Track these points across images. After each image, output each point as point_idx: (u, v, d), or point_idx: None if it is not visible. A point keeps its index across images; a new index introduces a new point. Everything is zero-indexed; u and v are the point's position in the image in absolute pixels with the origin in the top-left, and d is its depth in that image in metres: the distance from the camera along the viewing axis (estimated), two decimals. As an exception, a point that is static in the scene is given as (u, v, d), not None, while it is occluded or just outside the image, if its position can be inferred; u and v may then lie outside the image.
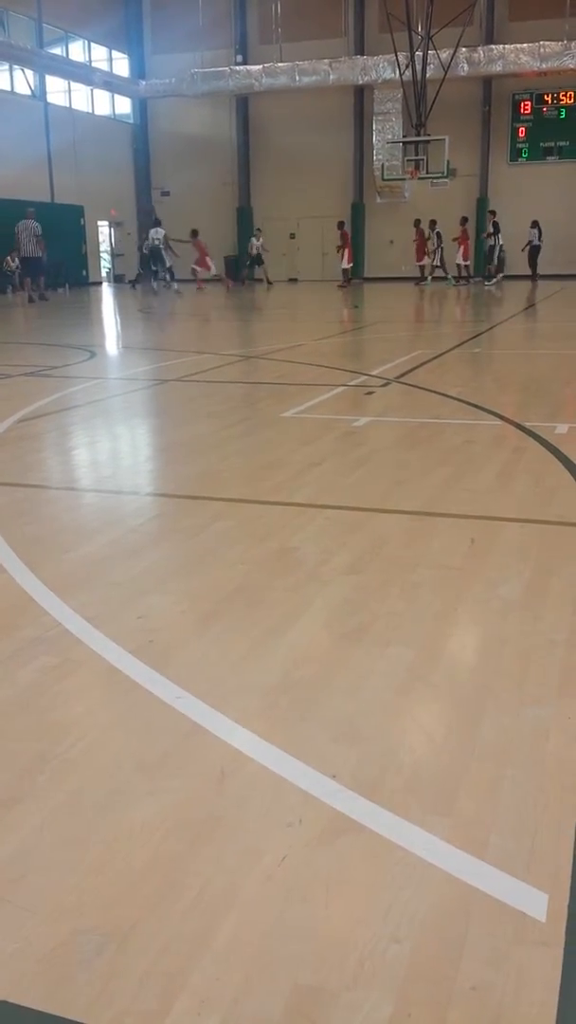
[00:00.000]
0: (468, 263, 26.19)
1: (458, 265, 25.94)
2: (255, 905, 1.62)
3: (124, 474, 5.07)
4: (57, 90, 29.33)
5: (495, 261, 25.57)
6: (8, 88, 27.33)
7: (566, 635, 2.70)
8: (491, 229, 25.36)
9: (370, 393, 7.37)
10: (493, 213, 26.12)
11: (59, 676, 2.51)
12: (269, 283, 26.96)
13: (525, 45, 27.61)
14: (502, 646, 2.66)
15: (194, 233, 23.87)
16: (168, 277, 23.18)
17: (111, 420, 6.70)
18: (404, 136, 27.10)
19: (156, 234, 23.31)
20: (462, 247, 25.71)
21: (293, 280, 31.91)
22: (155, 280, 23.30)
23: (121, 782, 2.00)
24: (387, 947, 1.51)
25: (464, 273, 26.22)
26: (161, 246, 23.10)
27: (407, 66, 24.67)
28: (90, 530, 3.93)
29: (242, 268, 28.52)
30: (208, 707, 2.30)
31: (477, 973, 1.46)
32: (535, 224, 26.63)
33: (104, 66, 31.48)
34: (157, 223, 23.73)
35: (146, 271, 25.08)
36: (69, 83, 29.55)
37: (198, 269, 24.03)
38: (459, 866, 1.70)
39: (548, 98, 29.90)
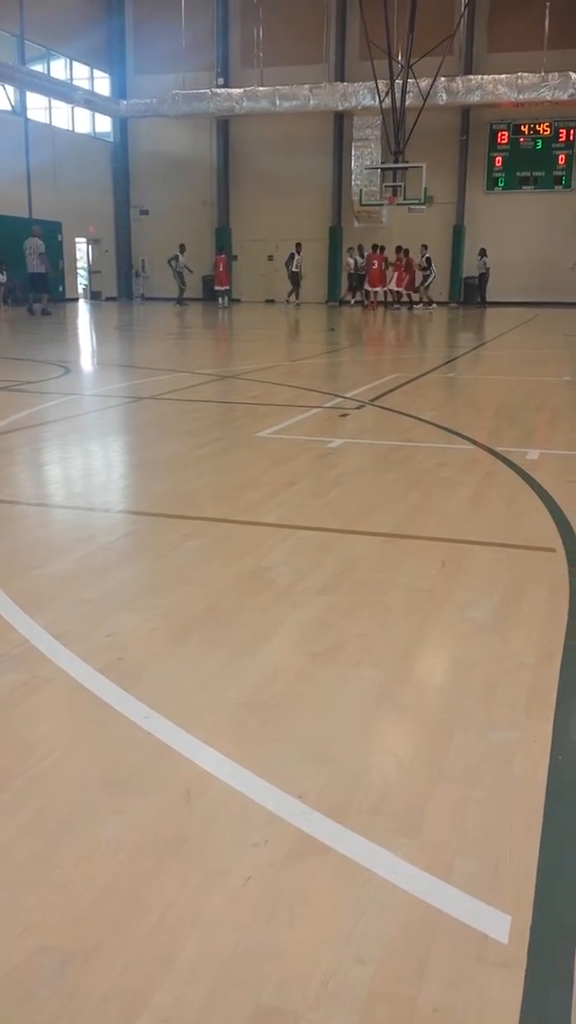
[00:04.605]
0: (401, 290, 27.11)
1: (394, 292, 27.04)
2: (219, 925, 1.62)
3: (96, 491, 5.06)
4: (38, 107, 29.39)
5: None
6: (-11, 103, 27.41)
7: (534, 658, 2.73)
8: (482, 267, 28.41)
9: (345, 415, 7.42)
10: (483, 251, 28.41)
11: (26, 693, 2.49)
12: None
13: (503, 76, 28.11)
14: (471, 669, 2.67)
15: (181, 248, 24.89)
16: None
17: (84, 436, 6.68)
18: (382, 162, 27.44)
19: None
20: (396, 274, 26.71)
21: (270, 301, 32.06)
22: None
23: (87, 800, 1.99)
24: (350, 968, 1.51)
25: (393, 299, 27.32)
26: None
27: (387, 94, 24.94)
28: (60, 546, 3.91)
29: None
30: (176, 726, 2.29)
31: (439, 995, 1.46)
32: (483, 252, 28.94)
33: (85, 84, 31.64)
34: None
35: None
36: (50, 100, 29.62)
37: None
38: (423, 888, 1.71)
39: (525, 129, 30.44)
